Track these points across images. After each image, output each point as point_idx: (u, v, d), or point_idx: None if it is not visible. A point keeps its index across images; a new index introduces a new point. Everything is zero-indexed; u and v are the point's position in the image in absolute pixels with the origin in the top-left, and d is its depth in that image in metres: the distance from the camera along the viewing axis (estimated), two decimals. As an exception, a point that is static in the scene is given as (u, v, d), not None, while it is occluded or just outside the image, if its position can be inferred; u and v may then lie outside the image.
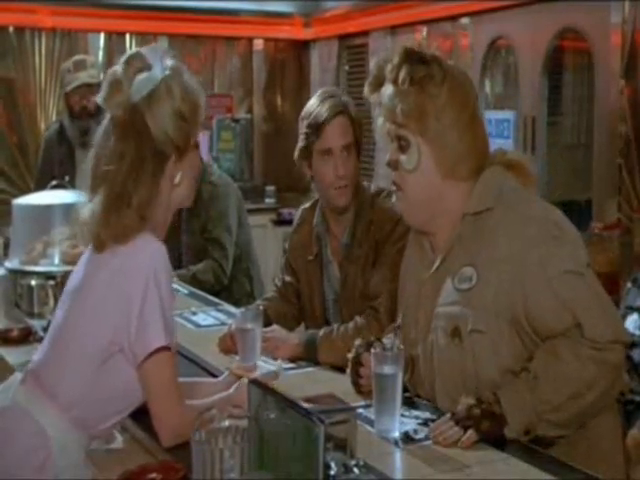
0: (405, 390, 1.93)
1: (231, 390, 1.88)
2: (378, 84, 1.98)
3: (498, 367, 1.83)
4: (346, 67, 6.87)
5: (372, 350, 1.86)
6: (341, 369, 2.20)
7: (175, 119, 1.75)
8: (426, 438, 1.77)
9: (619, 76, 4.29)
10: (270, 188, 6.75)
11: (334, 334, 2.39)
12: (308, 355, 2.40)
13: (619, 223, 4.28)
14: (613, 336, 1.77)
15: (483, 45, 5.36)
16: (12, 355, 2.47)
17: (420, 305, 1.99)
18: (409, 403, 1.97)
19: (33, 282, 2.99)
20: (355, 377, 2.07)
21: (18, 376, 1.81)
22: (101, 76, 4.48)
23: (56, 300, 2.48)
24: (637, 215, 4.22)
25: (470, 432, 1.73)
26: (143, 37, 6.38)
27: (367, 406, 1.95)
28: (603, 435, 1.88)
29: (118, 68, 1.78)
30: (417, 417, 1.90)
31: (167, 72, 1.76)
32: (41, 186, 3.83)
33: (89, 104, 4.27)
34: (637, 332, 2.88)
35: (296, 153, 2.55)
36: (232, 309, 3.05)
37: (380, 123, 1.98)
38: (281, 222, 6.39)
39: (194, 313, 3.01)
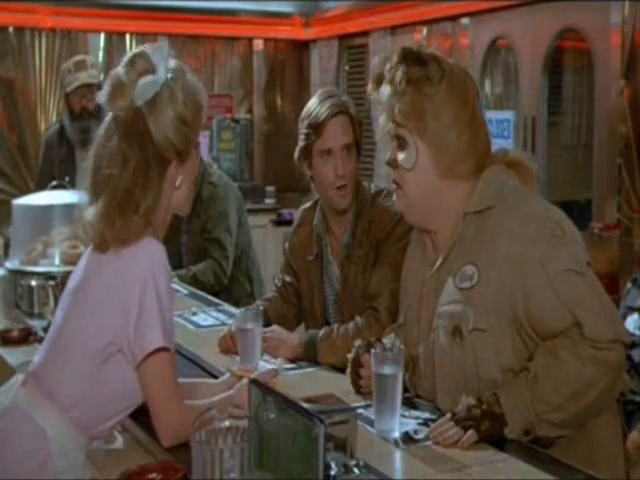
0: (405, 390, 1.93)
1: (231, 391, 1.88)
2: (380, 82, 1.98)
3: (499, 366, 1.83)
4: (346, 67, 6.87)
5: (372, 350, 1.86)
6: (341, 369, 2.20)
7: (177, 124, 1.74)
8: (426, 438, 1.77)
9: (619, 76, 4.30)
10: (270, 188, 6.75)
11: (334, 334, 2.39)
12: (308, 355, 2.40)
13: (619, 223, 4.28)
14: (613, 335, 1.77)
15: (483, 45, 5.37)
16: (12, 356, 2.47)
17: (422, 304, 1.99)
18: (409, 403, 1.97)
19: (33, 282, 2.99)
20: (355, 378, 2.07)
21: (19, 378, 1.81)
22: (101, 76, 4.49)
23: (56, 300, 2.48)
24: (637, 215, 4.22)
25: (470, 432, 1.73)
26: (143, 37, 6.38)
27: (367, 406, 1.95)
28: (603, 435, 1.88)
29: (121, 70, 1.76)
30: (417, 417, 1.90)
31: (170, 75, 1.74)
32: (41, 186, 3.84)
33: (89, 104, 4.27)
34: (637, 332, 2.88)
35: (296, 153, 2.54)
36: (232, 309, 3.05)
37: (381, 122, 1.98)
38: (281, 222, 6.39)
39: (194, 313, 3.01)
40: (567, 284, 1.79)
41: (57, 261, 3.05)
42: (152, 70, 1.74)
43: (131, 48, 6.43)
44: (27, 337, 2.65)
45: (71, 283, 1.81)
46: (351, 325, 2.41)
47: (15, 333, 2.68)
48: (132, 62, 1.76)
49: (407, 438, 1.79)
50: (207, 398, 1.85)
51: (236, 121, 6.78)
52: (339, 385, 2.12)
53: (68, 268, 2.61)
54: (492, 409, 1.74)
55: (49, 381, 1.72)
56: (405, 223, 2.28)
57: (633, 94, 4.26)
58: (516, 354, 1.82)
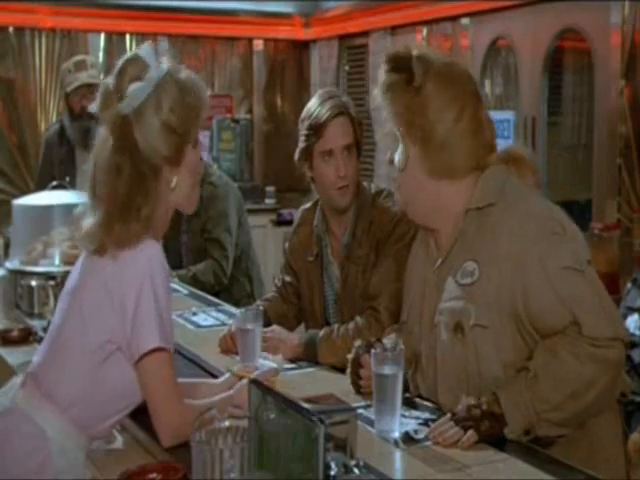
0: (405, 390, 1.93)
1: (231, 391, 1.88)
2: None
3: (501, 362, 1.83)
4: (346, 67, 6.87)
5: (372, 351, 1.86)
6: (341, 369, 2.20)
7: (163, 134, 1.73)
8: (426, 438, 1.77)
9: (619, 76, 4.30)
10: (270, 189, 6.76)
11: (334, 334, 2.39)
12: (308, 355, 2.40)
13: (619, 223, 4.29)
14: (613, 333, 1.76)
15: (483, 45, 5.37)
16: (12, 356, 2.48)
17: (424, 301, 1.99)
18: (409, 403, 1.97)
19: (33, 282, 2.99)
20: (355, 378, 2.07)
21: (18, 379, 1.81)
22: (101, 76, 4.48)
23: (56, 300, 2.47)
24: (637, 215, 4.22)
25: (470, 432, 1.73)
26: (143, 37, 6.38)
27: (367, 406, 1.95)
28: (604, 435, 1.88)
29: (110, 80, 1.77)
30: (417, 417, 1.90)
31: (161, 79, 1.74)
32: (41, 186, 3.84)
33: (89, 104, 4.26)
34: (637, 332, 2.88)
35: (297, 154, 2.54)
36: (232, 309, 3.05)
37: (383, 122, 2.00)
38: (281, 222, 6.40)
39: (194, 313, 3.01)
40: (566, 282, 1.79)
41: (57, 261, 3.05)
42: (144, 74, 1.73)
43: (131, 48, 6.43)
44: (27, 337, 2.65)
45: (69, 283, 1.81)
46: (351, 325, 2.41)
47: (15, 333, 2.68)
48: (122, 70, 1.76)
49: (407, 438, 1.79)
50: (207, 398, 1.85)
51: (236, 121, 6.78)
52: (339, 385, 2.12)
53: (68, 268, 2.60)
54: (492, 409, 1.74)
55: (48, 381, 1.72)
56: (405, 223, 2.28)
57: (633, 94, 4.26)
58: (517, 350, 1.82)
